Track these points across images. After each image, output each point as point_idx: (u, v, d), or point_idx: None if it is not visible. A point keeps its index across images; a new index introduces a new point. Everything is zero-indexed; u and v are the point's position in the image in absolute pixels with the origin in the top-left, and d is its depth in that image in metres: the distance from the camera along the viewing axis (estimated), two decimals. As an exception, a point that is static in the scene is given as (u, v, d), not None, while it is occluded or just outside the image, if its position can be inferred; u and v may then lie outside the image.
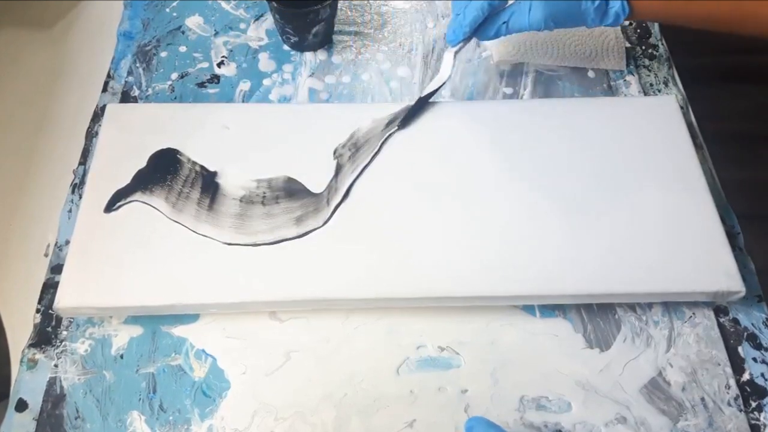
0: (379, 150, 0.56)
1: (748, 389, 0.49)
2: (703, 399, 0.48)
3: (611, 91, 0.64)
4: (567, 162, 0.56)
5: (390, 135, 0.57)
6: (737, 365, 0.50)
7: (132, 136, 0.56)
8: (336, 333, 0.50)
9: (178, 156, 0.55)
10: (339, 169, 0.55)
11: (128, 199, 0.53)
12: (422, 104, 0.58)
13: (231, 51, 0.67)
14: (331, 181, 0.54)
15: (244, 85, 0.64)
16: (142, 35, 0.68)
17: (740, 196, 0.59)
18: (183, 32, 0.68)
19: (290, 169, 0.55)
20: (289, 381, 0.48)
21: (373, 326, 0.51)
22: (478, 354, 0.49)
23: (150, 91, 0.63)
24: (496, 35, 0.55)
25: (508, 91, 0.64)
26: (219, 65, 0.65)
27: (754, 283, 0.53)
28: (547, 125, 0.58)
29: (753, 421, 0.47)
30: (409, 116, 0.57)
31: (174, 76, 0.64)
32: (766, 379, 0.49)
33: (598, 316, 0.51)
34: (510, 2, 0.54)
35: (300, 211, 0.52)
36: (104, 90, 0.63)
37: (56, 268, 0.53)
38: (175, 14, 0.69)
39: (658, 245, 0.51)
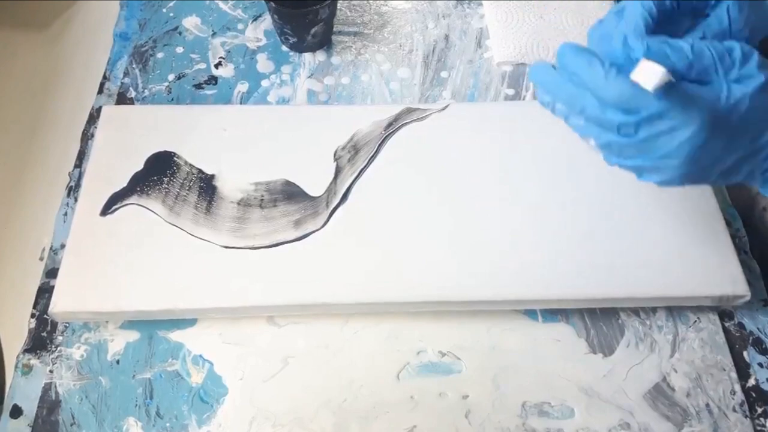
0: (376, 152, 0.55)
1: (754, 395, 0.48)
2: (708, 405, 0.47)
3: (613, 92, 0.64)
4: (569, 164, 0.55)
5: (388, 137, 0.56)
6: (743, 370, 0.49)
7: (128, 138, 0.56)
8: (335, 338, 0.50)
9: (175, 158, 0.55)
10: (338, 171, 0.54)
11: (124, 202, 0.52)
12: None
13: (229, 52, 0.66)
14: (331, 183, 0.53)
15: (242, 87, 0.63)
16: (138, 36, 0.67)
17: (745, 199, 0.58)
18: (180, 33, 0.67)
19: (288, 172, 0.54)
20: (287, 387, 0.48)
21: (373, 331, 0.50)
22: (480, 359, 0.49)
23: (146, 92, 0.63)
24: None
25: (510, 92, 0.64)
26: (216, 66, 0.65)
27: (759, 287, 0.53)
28: (549, 127, 0.57)
29: (759, 428, 0.47)
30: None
31: (171, 77, 0.64)
32: (771, 385, 0.49)
33: (601, 320, 0.51)
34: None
35: (298, 214, 0.52)
36: (100, 91, 0.63)
37: (51, 272, 0.52)
38: (171, 15, 0.69)
39: (662, 249, 0.50)
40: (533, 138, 0.57)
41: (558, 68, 0.40)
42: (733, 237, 0.52)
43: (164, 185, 0.53)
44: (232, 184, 0.53)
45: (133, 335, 0.50)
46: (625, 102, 0.36)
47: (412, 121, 0.57)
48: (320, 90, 0.63)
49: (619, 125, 0.37)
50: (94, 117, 0.61)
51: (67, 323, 0.50)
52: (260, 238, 0.51)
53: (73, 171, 0.58)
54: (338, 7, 0.67)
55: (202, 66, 0.65)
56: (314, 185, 0.53)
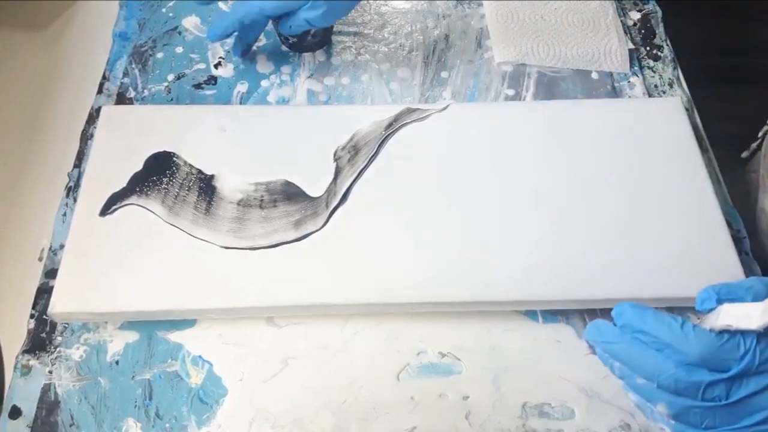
0: (376, 153, 0.55)
1: (755, 396, 0.48)
2: (708, 406, 0.47)
3: (615, 92, 0.64)
4: (570, 165, 0.55)
5: (388, 137, 0.56)
6: (743, 371, 0.49)
7: (128, 138, 0.56)
8: (335, 339, 0.49)
9: (175, 159, 0.55)
10: (338, 171, 0.54)
11: (124, 203, 0.52)
12: None
13: (228, 52, 0.66)
14: (331, 184, 0.53)
15: (242, 87, 0.63)
16: (137, 36, 0.67)
17: (746, 199, 0.58)
18: (179, 33, 0.67)
19: (288, 172, 0.54)
20: (287, 388, 0.47)
21: (373, 332, 0.50)
22: (480, 360, 0.49)
23: (146, 92, 0.63)
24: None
25: (510, 92, 0.64)
26: (216, 66, 0.65)
27: (759, 287, 0.52)
28: (549, 127, 0.57)
29: (759, 429, 0.47)
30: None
31: (170, 77, 0.64)
32: (772, 386, 0.48)
33: (601, 321, 0.51)
34: None
35: (298, 214, 0.52)
36: (99, 91, 0.63)
37: (51, 273, 0.52)
38: (171, 14, 0.69)
39: (662, 249, 0.50)
40: (533, 138, 0.56)
41: (620, 328, 0.37)
42: (733, 237, 0.52)
43: (164, 185, 0.53)
44: (231, 185, 0.53)
45: (133, 336, 0.49)
46: (712, 357, 0.31)
47: (412, 121, 0.57)
48: (320, 90, 0.63)
49: (706, 387, 0.32)
50: (93, 117, 0.61)
51: (66, 324, 0.50)
52: (260, 239, 0.50)
53: (72, 171, 0.58)
54: (338, 7, 0.67)
55: (202, 66, 0.65)
56: (314, 185, 0.53)
